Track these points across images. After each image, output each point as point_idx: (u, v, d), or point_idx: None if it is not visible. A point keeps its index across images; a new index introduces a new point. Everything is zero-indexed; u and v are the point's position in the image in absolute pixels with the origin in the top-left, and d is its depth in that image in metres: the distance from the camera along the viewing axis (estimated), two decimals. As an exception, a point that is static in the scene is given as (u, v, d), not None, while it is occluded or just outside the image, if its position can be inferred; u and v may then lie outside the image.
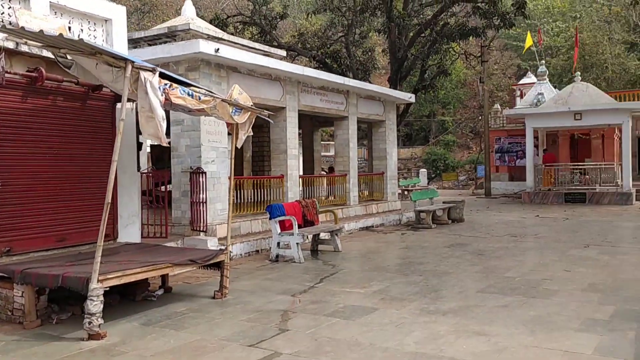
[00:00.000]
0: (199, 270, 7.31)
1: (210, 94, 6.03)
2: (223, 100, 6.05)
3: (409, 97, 16.21)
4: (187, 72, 9.22)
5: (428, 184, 43.05)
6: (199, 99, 5.74)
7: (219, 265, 6.64)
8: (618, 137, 24.56)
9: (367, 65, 25.02)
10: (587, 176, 21.18)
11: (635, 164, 25.80)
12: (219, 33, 13.29)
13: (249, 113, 6.60)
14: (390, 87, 20.26)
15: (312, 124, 17.40)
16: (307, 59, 24.71)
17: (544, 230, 12.79)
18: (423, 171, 36.64)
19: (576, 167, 21.42)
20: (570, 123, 20.04)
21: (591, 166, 21.14)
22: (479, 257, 9.25)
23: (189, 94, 5.64)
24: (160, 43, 11.25)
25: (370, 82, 19.75)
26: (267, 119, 7.24)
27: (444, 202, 15.18)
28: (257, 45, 14.08)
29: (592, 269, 7.97)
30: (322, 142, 26.29)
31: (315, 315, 5.78)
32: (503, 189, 26.54)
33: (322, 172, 22.97)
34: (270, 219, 9.19)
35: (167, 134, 9.41)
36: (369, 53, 25.60)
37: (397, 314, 5.80)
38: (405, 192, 21.77)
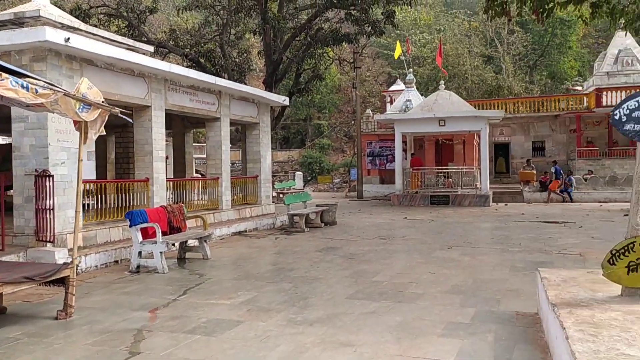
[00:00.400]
0: (42, 286, 6.45)
1: (51, 87, 5.28)
2: (66, 94, 5.33)
3: (283, 99, 16.05)
4: (32, 63, 8.20)
5: (304, 186, 43.51)
6: (36, 92, 5.00)
7: (64, 281, 5.87)
8: (477, 142, 26.43)
9: (242, 66, 24.59)
10: (451, 179, 22.50)
11: (492, 168, 27.97)
12: (76, 23, 12.13)
13: (100, 110, 5.92)
14: (265, 90, 20.02)
15: (184, 125, 16.62)
16: (180, 57, 23.69)
17: (411, 232, 13.22)
18: (299, 174, 36.88)
19: (440, 170, 22.67)
20: (435, 129, 21.16)
21: (454, 170, 22.49)
22: (349, 261, 9.24)
23: (22, 86, 4.88)
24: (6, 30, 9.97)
25: (245, 84, 19.38)
26: (124, 117, 6.57)
27: (317, 206, 15.20)
28: (120, 38, 13.09)
29: (455, 270, 8.25)
30: (195, 144, 25.38)
31: (173, 333, 5.27)
32: (375, 191, 27.43)
33: (197, 175, 22.19)
34: (130, 226, 8.44)
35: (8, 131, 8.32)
36: (245, 54, 25.19)
37: (263, 326, 5.48)
38: (281, 195, 21.62)
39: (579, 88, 31.07)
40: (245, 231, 13.31)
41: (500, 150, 30.36)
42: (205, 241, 9.52)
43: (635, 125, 4.13)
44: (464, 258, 9.38)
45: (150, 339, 5.15)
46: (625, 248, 4.30)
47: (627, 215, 14.17)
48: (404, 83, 32.39)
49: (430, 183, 22.57)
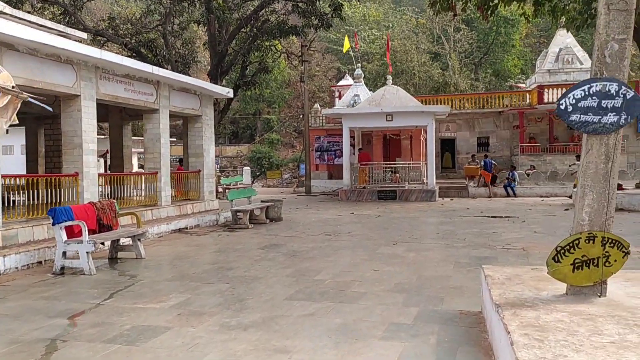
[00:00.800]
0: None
1: (-54, 68, 4.67)
2: (-35, 77, 4.73)
3: (227, 91, 15.50)
4: (-61, 45, 7.42)
5: (253, 182, 42.90)
6: None
7: (-33, 287, 5.25)
8: (424, 138, 26.59)
9: (187, 58, 23.78)
10: (398, 174, 22.51)
11: (438, 164, 28.23)
12: (0, 6, 11.24)
13: (10, 97, 5.32)
14: (210, 82, 19.36)
15: (122, 117, 15.82)
16: (119, 46, 22.67)
17: (357, 227, 13.00)
18: (246, 169, 36.27)
19: (388, 165, 22.63)
20: (382, 124, 21.07)
21: (401, 165, 22.50)
22: (292, 259, 8.89)
23: None
24: None
25: (190, 76, 18.65)
26: (39, 104, 5.97)
27: (262, 201, 14.77)
28: (50, 24, 12.27)
29: (399, 267, 8.03)
30: (136, 138, 24.40)
31: (91, 343, 4.77)
32: (323, 186, 27.21)
33: (141, 170, 21.27)
34: (53, 224, 7.80)
35: None
36: (189, 45, 24.38)
37: (192, 332, 5.05)
38: (227, 191, 21.05)
39: (523, 85, 31.80)
40: (186, 228, 12.75)
41: (447, 146, 30.73)
42: (139, 240, 8.95)
43: (582, 116, 3.94)
44: (409, 254, 9.19)
45: (64, 350, 4.64)
46: (571, 245, 4.12)
47: (567, 209, 14.41)
48: (353, 78, 32.30)
49: (378, 178, 22.51)
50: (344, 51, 31.57)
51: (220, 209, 15.00)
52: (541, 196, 21.77)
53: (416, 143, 25.90)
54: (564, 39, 30.67)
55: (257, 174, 45.98)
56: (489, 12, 17.97)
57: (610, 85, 3.89)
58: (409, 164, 22.89)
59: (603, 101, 3.92)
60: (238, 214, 13.21)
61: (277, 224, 13.91)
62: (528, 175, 23.09)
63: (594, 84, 3.92)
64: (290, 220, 14.81)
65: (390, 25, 48.19)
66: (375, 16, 51.74)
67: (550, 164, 26.52)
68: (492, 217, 14.80)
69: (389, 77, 23.49)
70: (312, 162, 27.38)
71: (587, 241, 4.08)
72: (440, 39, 46.48)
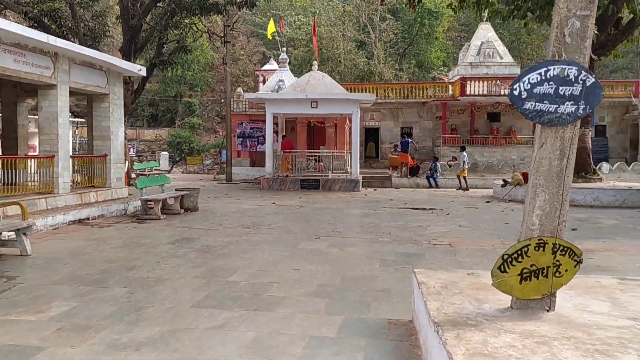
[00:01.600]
0: None
1: None
2: None
3: (139, 69, 14.20)
4: None
5: (172, 168, 41.06)
6: None
7: None
8: (349, 126, 26.20)
9: (97, 31, 21.88)
10: (322, 163, 21.96)
11: (362, 153, 27.98)
12: None
13: None
14: (123, 59, 17.81)
15: (16, 93, 14.13)
16: (19, 15, 20.48)
17: (278, 219, 12.26)
18: (164, 154, 34.55)
19: (312, 154, 22.02)
20: (307, 110, 20.39)
21: (325, 154, 21.95)
22: (205, 256, 8.01)
23: None
24: None
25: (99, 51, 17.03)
26: None
27: (176, 190, 13.70)
28: None
29: (322, 266, 7.38)
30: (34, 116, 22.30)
31: None
32: (245, 174, 26.24)
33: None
34: None
35: None
36: (100, 18, 22.45)
37: (70, 355, 4.13)
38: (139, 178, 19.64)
39: (446, 78, 32.19)
40: (88, 219, 11.48)
41: (371, 135, 30.57)
42: (24, 234, 7.74)
43: (537, 104, 3.39)
44: (332, 250, 8.57)
45: None
46: (519, 253, 3.58)
47: (489, 202, 14.30)
48: (277, 63, 31.38)
49: (301, 167, 21.86)
50: (269, 35, 30.57)
51: (129, 198, 13.76)
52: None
53: (340, 132, 25.46)
54: (485, 32, 31.25)
55: (177, 159, 44.08)
56: (417, 1, 17.78)
57: (569, 69, 3.36)
58: (333, 152, 22.40)
59: (561, 88, 3.38)
60: (148, 203, 12.08)
61: (192, 215, 12.91)
62: (450, 166, 23.26)
63: (552, 67, 3.37)
64: (207, 210, 13.84)
65: (317, 12, 47.52)
66: (302, 1, 50.88)
67: (470, 155, 26.87)
68: (416, 209, 14.53)
69: (315, 63, 22.80)
70: (234, 149, 26.30)
71: (536, 248, 3.56)
72: (366, 27, 46.37)
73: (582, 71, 3.36)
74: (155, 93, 55.91)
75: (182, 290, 6.06)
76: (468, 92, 26.55)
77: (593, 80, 3.37)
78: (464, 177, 21.04)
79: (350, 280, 6.61)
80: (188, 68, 52.97)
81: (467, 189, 20.84)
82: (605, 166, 22.19)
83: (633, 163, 22.23)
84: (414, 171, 22.62)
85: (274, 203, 15.64)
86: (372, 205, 15.34)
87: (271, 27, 30.51)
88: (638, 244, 9.21)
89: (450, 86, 28.93)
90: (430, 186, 22.06)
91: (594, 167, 17.57)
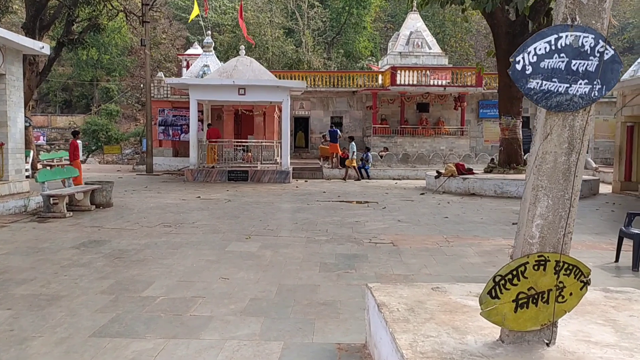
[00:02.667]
0: None
1: None
2: None
3: (41, 46, 12.49)
4: None
5: (87, 157, 38.37)
6: None
7: None
8: (278, 115, 25.20)
9: (-3, 6, 19.56)
10: (250, 154, 20.86)
11: (291, 143, 27.05)
12: None
13: None
14: (27, 37, 15.85)
15: None
16: None
17: (204, 216, 11.13)
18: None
19: (240, 143, 20.85)
20: (234, 97, 19.18)
21: (254, 143, 20.86)
22: (115, 263, 6.84)
23: None
24: None
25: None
26: None
27: (86, 183, 12.20)
28: None
29: (254, 273, 6.43)
30: None
31: None
32: (167, 165, 24.66)
33: None
34: None
35: None
36: (0, -9, 20.09)
37: None
38: (49, 168, 17.75)
39: (377, 67, 31.77)
40: (-22, 218, 9.87)
41: (300, 125, 29.70)
42: None
43: (544, 83, 2.60)
44: (266, 252, 7.62)
45: None
46: (514, 273, 2.81)
47: (423, 194, 13.80)
48: (202, 47, 29.80)
49: (228, 157, 20.66)
50: (191, 18, 28.86)
51: (31, 193, 12.13)
52: (394, 178, 21.60)
53: (269, 121, 24.43)
54: (414, 22, 31.10)
55: (93, 148, 41.33)
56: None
57: (584, 37, 2.59)
58: (262, 142, 21.34)
59: (573, 61, 2.61)
60: (52, 199, 10.59)
61: (105, 212, 11.51)
62: (381, 157, 22.83)
63: (563, 35, 2.59)
64: (123, 206, 12.46)
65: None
66: (227, -15, 49.02)
67: (400, 146, 26.73)
68: (351, 202, 13.83)
69: (242, 47, 21.54)
70: (155, 138, 24.60)
71: (536, 267, 2.80)
72: (295, 14, 45.34)
73: (600, 40, 2.60)
74: (69, 77, 52.31)
75: (82, 312, 4.93)
76: (398, 82, 26.23)
77: (612, 52, 2.63)
78: (354, 167, 20.90)
79: (289, 291, 5.71)
80: (105, 51, 49.85)
81: (359, 179, 20.84)
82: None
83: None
84: (345, 162, 21.98)
85: (199, 197, 14.44)
86: (304, 199, 14.48)
87: (195, 11, 28.81)
88: (581, 239, 8.91)
89: (380, 75, 28.54)
90: (362, 177, 21.51)
91: (524, 158, 17.61)
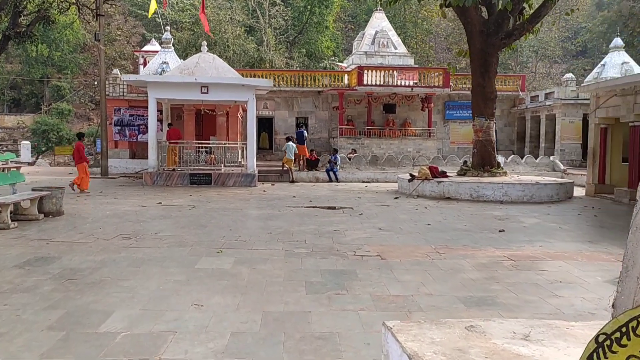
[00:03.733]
0: None
1: None
2: None
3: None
4: None
5: (36, 159, 36.33)
6: None
7: None
8: (241, 115, 24.21)
9: None
10: (213, 156, 19.83)
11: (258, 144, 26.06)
12: None
13: None
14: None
15: None
16: None
17: (167, 225, 10.13)
18: (25, 143, 30.26)
19: (202, 145, 19.77)
20: (196, 96, 18.11)
21: (217, 145, 19.82)
22: (67, 287, 5.84)
23: None
24: None
25: None
26: None
27: (34, 189, 10.99)
28: None
29: (232, 297, 5.56)
30: None
31: None
32: (124, 167, 23.30)
33: None
34: None
35: None
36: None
37: None
38: (-8, 172, 16.27)
39: (344, 65, 31.07)
40: None
41: (264, 125, 28.73)
42: None
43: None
44: (241, 269, 6.75)
45: None
46: (623, 331, 2.05)
47: (397, 197, 13.16)
48: (160, 43, 28.46)
49: (190, 159, 19.57)
50: (150, 14, 27.46)
51: (-31, 200, 10.83)
52: (363, 181, 20.95)
53: (233, 121, 23.41)
54: (380, 22, 30.62)
55: (43, 149, 39.19)
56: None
57: None
58: (226, 144, 20.33)
59: None
60: (-7, 209, 9.39)
61: (55, 221, 10.35)
62: (349, 159, 22.14)
63: None
64: (76, 214, 11.31)
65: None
66: (185, -19, 47.51)
67: (368, 147, 26.13)
68: (324, 207, 13.04)
69: (204, 43, 20.46)
70: (110, 138, 23.19)
71: (651, 321, 2.05)
72: (256, 12, 44.27)
73: None
74: (17, 74, 49.70)
75: (19, 357, 3.95)
76: (365, 82, 25.61)
77: None
78: (290, 168, 20.44)
79: (276, 320, 4.87)
80: (56, 48, 47.57)
81: (293, 181, 20.44)
82: (499, 159, 22.26)
83: (526, 156, 22.57)
84: (312, 164, 21.20)
85: (160, 203, 13.36)
86: (274, 204, 13.61)
87: (153, 5, 27.44)
88: (577, 249, 8.39)
89: (346, 75, 27.87)
90: (330, 180, 20.78)
91: (497, 160, 17.24)
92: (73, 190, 15.37)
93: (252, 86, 18.39)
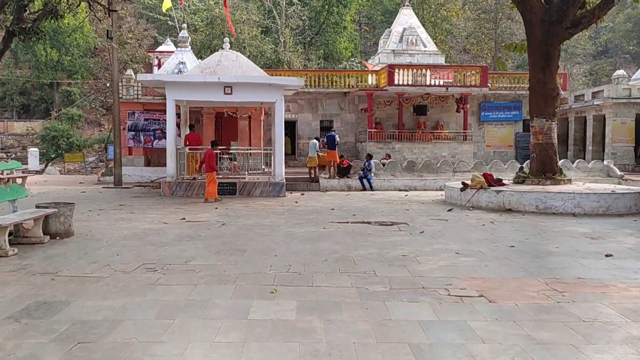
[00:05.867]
0: None
1: None
2: None
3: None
4: None
5: (45, 166, 34.81)
6: None
7: None
8: (264, 119, 22.49)
9: None
10: (236, 163, 18.08)
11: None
12: None
13: None
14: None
15: None
16: None
17: (197, 249, 8.36)
18: (33, 150, 28.68)
19: (225, 151, 18.02)
20: (220, 97, 16.38)
21: (243, 151, 18.07)
22: (74, 356, 4.06)
23: None
24: None
25: None
26: None
27: (38, 206, 9.27)
28: None
29: (320, 380, 3.76)
30: None
31: None
32: (139, 175, 21.68)
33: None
34: None
35: None
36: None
37: None
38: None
39: (372, 65, 29.19)
40: None
41: (286, 129, 26.87)
42: None
43: None
44: (312, 321, 4.98)
45: None
46: None
47: (451, 210, 10.96)
48: (176, 44, 26.85)
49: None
50: (164, 8, 25.84)
51: (-38, 220, 9.12)
52: (400, 189, 19.11)
53: (256, 125, 21.69)
54: (407, 18, 28.84)
55: (53, 156, 37.67)
56: None
57: None
58: (252, 149, 18.59)
59: None
60: (-12, 232, 7.67)
61: (63, 245, 8.62)
62: (383, 165, 20.31)
63: None
64: (88, 234, 9.58)
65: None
66: (197, -16, 46.06)
67: (399, 152, 24.27)
68: (371, 223, 11.22)
69: (226, 40, 18.71)
70: (123, 145, 21.53)
71: None
72: (272, 12, 42.62)
73: None
74: (27, 80, 48.45)
75: None
76: (396, 82, 23.78)
77: None
78: (313, 168, 19.44)
79: None
80: (66, 52, 46.28)
81: (313, 180, 19.29)
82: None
83: (577, 160, 20.62)
84: (344, 171, 19.41)
85: (184, 219, 11.61)
86: (314, 219, 11.81)
87: (167, 1, 25.87)
88: None
89: (373, 75, 26.05)
90: (364, 188, 18.96)
91: (559, 165, 15.36)
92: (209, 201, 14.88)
93: (281, 85, 16.63)
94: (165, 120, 17.64)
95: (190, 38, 28.12)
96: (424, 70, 24.13)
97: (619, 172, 19.61)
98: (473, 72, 24.11)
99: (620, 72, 24.79)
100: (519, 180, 14.95)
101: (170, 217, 11.95)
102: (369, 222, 11.33)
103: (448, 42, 52.95)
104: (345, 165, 19.39)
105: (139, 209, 13.30)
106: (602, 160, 21.80)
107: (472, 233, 10.05)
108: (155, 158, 22.61)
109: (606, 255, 8.03)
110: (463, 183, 14.58)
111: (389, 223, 11.25)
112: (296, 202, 15.34)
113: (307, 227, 10.73)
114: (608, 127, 22.96)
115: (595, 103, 23.66)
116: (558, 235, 9.85)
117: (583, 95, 25.18)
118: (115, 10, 19.31)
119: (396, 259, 7.71)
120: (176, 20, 28.97)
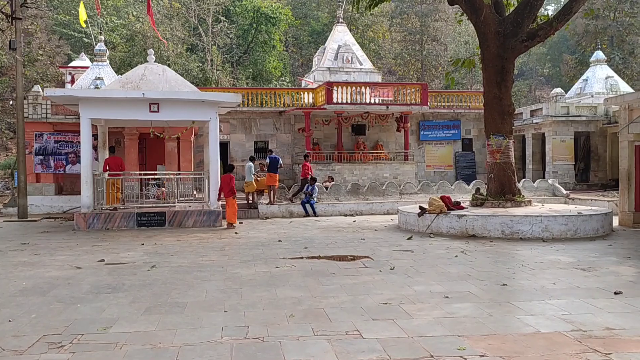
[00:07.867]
0: None
1: None
2: None
3: None
4: None
5: (-61, 196, 30.68)
6: None
7: None
8: (193, 141, 20.52)
9: None
10: (164, 189, 16.03)
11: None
12: None
13: None
14: None
15: None
16: None
17: (121, 306, 6.44)
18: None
19: (151, 177, 15.90)
20: (144, 116, 14.36)
21: (171, 176, 16.03)
22: None
23: None
24: None
25: None
26: None
27: None
28: None
29: None
30: None
31: None
32: (48, 206, 19.01)
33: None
34: None
35: None
36: None
37: None
38: None
39: (311, 82, 27.76)
40: None
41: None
42: None
43: None
44: None
45: None
46: None
47: (411, 238, 9.05)
48: (91, 60, 24.37)
49: (135, 194, 15.68)
50: (81, 22, 23.35)
51: None
52: (346, 214, 17.70)
53: (185, 146, 19.66)
54: (342, 35, 27.90)
55: (-51, 184, 33.43)
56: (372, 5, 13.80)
57: None
58: (179, 174, 16.56)
59: None
60: None
61: None
62: (326, 188, 18.86)
63: None
64: (-27, 289, 7.38)
65: (134, 12, 40.52)
66: (114, 2, 43.36)
67: (339, 174, 22.94)
68: (335, 259, 9.67)
69: (151, 51, 16.68)
70: (29, 170, 18.82)
71: None
72: (198, 29, 40.66)
73: None
74: None
75: None
76: (335, 100, 22.54)
77: None
78: (251, 193, 17.75)
79: None
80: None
81: (252, 207, 17.68)
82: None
83: (523, 179, 20.09)
84: (292, 194, 17.78)
85: (103, 260, 9.54)
86: (262, 255, 10.09)
87: (82, 14, 23.41)
88: None
89: (309, 93, 24.73)
90: (307, 214, 17.41)
91: (518, 186, 14.53)
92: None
93: (215, 102, 14.85)
94: (79, 142, 15.33)
95: (108, 52, 25.69)
96: (363, 88, 23.08)
97: (564, 191, 19.24)
98: (413, 89, 23.33)
99: (558, 89, 24.90)
100: (478, 202, 13.95)
101: (85, 258, 9.82)
102: (327, 257, 9.76)
103: (376, 63, 52.93)
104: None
105: (46, 249, 11.02)
106: (544, 178, 21.50)
107: (449, 267, 8.71)
108: (68, 185, 20.00)
109: (615, 293, 6.91)
110: (420, 207, 13.35)
111: (350, 258, 9.74)
112: (236, 232, 13.52)
113: (256, 266, 9.00)
114: (548, 146, 22.79)
115: (534, 121, 23.49)
116: (544, 267, 8.70)
117: (521, 113, 25.04)
118: (20, 18, 16.81)
119: (378, 310, 6.19)
120: (92, 34, 26.48)
